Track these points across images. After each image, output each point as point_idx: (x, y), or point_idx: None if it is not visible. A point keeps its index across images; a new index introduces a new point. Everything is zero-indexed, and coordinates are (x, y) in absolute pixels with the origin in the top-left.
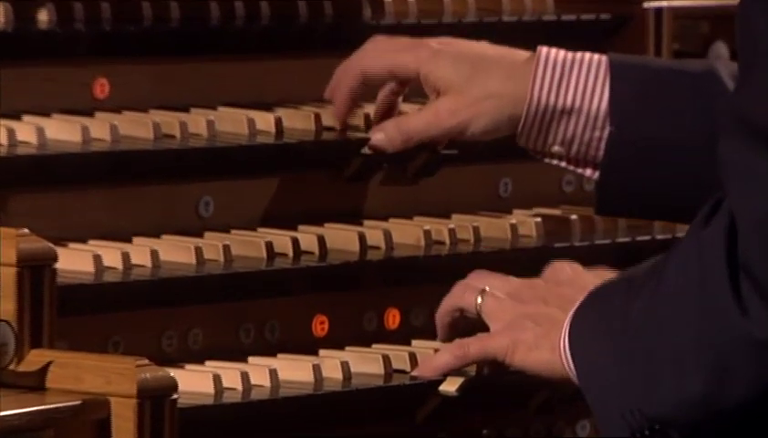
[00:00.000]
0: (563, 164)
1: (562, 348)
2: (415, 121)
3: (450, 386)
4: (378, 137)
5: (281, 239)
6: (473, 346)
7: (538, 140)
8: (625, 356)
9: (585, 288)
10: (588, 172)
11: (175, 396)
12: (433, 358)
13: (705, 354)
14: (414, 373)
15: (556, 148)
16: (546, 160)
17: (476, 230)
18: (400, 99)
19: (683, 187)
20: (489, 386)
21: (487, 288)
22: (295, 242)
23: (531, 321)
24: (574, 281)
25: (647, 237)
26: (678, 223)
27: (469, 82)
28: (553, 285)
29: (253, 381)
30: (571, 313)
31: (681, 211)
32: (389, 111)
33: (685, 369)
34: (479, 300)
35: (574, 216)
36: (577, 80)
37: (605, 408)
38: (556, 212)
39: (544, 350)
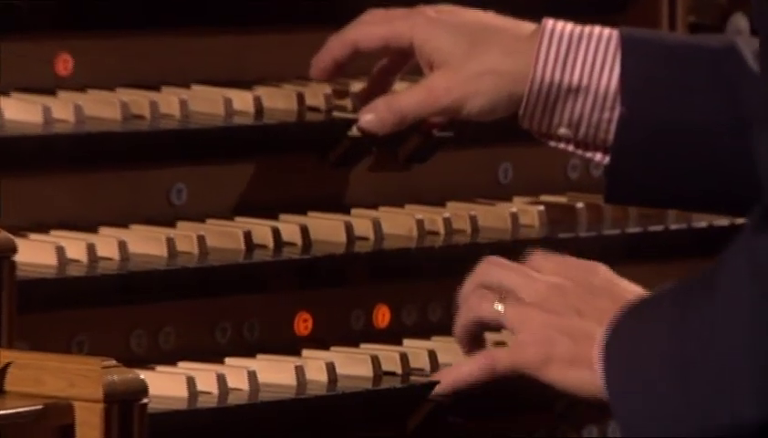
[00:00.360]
0: (570, 148)
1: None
2: (407, 99)
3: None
4: (368, 118)
5: (260, 229)
6: (502, 358)
7: (543, 122)
8: (668, 378)
9: (624, 301)
10: (598, 156)
11: (145, 400)
12: (455, 369)
13: (762, 376)
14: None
15: (563, 130)
16: (552, 143)
17: (473, 219)
18: (396, 79)
19: (702, 173)
20: (488, 390)
21: (507, 293)
22: (276, 232)
23: (566, 336)
24: (612, 291)
25: (659, 227)
26: (696, 212)
27: (466, 56)
28: (587, 294)
29: (230, 384)
30: (607, 328)
31: (700, 199)
32: (380, 90)
33: (738, 392)
34: (499, 308)
35: (580, 204)
36: (585, 56)
37: (639, 434)
38: (561, 199)
39: (583, 367)
